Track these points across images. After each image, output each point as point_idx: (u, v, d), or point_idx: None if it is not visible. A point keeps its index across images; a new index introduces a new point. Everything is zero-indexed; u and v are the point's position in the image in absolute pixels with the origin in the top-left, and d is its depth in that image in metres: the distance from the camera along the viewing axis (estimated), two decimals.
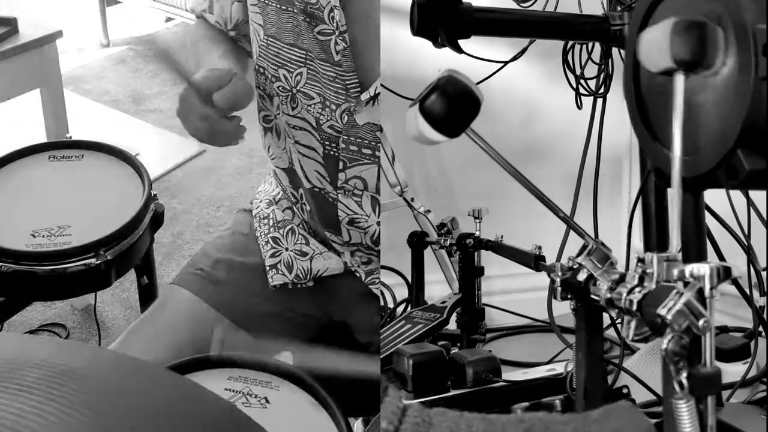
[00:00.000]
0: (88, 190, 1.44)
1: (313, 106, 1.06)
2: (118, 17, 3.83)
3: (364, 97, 1.02)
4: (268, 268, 1.23)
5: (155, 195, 1.43)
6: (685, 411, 0.65)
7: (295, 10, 1.03)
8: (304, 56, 1.05)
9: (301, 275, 1.22)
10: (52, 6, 4.03)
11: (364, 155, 1.06)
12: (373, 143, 1.04)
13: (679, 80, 0.76)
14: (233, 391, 1.02)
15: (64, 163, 1.49)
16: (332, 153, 1.07)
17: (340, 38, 1.00)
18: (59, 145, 1.55)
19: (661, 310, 0.65)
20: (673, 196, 0.76)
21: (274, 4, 1.05)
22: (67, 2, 4.04)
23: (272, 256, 1.23)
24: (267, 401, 1.01)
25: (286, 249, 1.23)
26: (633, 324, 0.73)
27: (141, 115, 3.17)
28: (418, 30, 1.30)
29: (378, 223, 1.11)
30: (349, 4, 1.01)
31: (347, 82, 1.02)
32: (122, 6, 3.68)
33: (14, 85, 2.19)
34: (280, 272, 1.22)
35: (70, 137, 1.67)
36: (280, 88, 1.09)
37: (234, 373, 1.05)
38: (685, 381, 0.64)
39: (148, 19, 3.91)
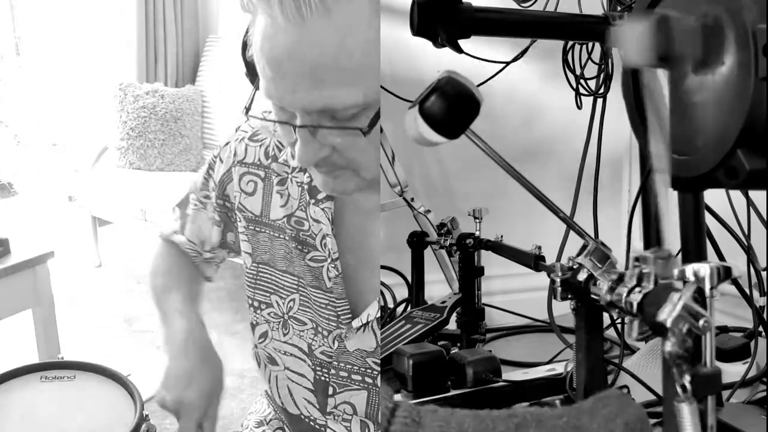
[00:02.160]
0: (79, 411, 1.45)
1: (305, 331, 1.05)
2: (109, 238, 3.86)
3: (356, 324, 1.00)
4: None
5: (147, 415, 1.44)
6: (687, 413, 0.65)
7: (286, 237, 1.02)
8: (296, 282, 1.04)
9: None
10: (44, 227, 4.09)
11: (353, 381, 1.03)
12: (363, 369, 1.02)
13: (649, 74, 0.76)
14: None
15: (55, 383, 1.52)
16: (323, 378, 1.05)
17: (332, 266, 0.99)
18: (51, 366, 1.57)
19: (661, 316, 0.65)
20: (660, 189, 0.76)
21: (266, 231, 1.05)
22: (59, 223, 4.10)
23: None
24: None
25: None
26: (636, 324, 0.73)
27: (133, 335, 3.17)
28: (418, 30, 1.29)
29: None
30: (341, 232, 1.00)
31: (338, 309, 1.01)
32: (113, 226, 3.71)
33: (6, 306, 2.19)
34: None
35: (62, 357, 1.69)
36: (272, 314, 1.08)
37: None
38: (688, 384, 0.64)
39: (140, 239, 3.94)
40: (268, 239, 1.05)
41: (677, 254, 1.12)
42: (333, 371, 1.04)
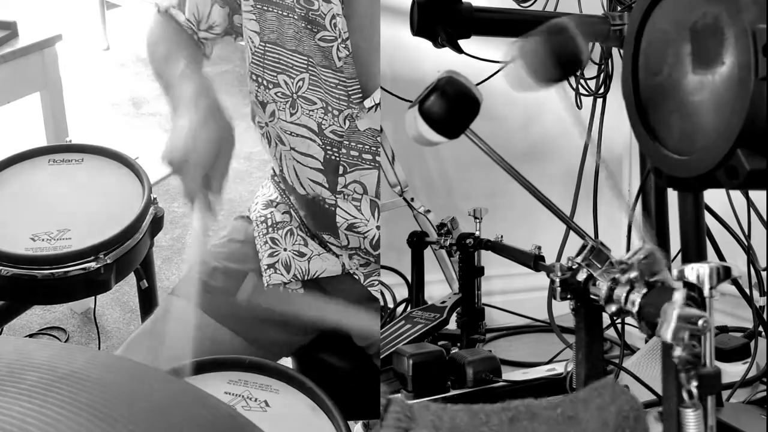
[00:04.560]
0: (88, 194, 1.43)
1: (315, 111, 1.06)
2: (117, 20, 3.84)
3: (368, 104, 1.02)
4: (265, 267, 1.23)
5: (155, 198, 1.43)
6: (692, 419, 0.65)
7: (296, 17, 1.03)
8: (306, 62, 1.05)
9: (298, 275, 1.22)
10: (52, 10, 4.04)
11: (364, 160, 1.06)
12: (374, 148, 1.05)
13: None
14: (233, 394, 1.02)
15: (64, 166, 1.49)
16: (333, 158, 1.07)
17: (343, 46, 1.00)
18: (59, 149, 1.55)
19: (661, 333, 0.64)
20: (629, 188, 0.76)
21: (274, 10, 1.05)
22: (67, 6, 4.04)
23: (270, 255, 1.23)
24: (267, 405, 1.01)
25: (285, 249, 1.23)
26: (644, 325, 0.73)
27: (141, 118, 3.17)
28: (418, 30, 1.29)
29: (377, 227, 1.11)
30: (351, 13, 1.01)
31: (349, 89, 1.02)
32: (121, 9, 3.69)
33: (14, 89, 2.19)
34: (278, 272, 1.22)
35: (70, 141, 1.67)
36: (279, 94, 1.08)
37: (234, 377, 1.05)
38: (694, 390, 0.64)
39: (149, 22, 3.93)
40: (276, 18, 1.05)
41: (677, 254, 1.12)
42: (344, 150, 1.06)
